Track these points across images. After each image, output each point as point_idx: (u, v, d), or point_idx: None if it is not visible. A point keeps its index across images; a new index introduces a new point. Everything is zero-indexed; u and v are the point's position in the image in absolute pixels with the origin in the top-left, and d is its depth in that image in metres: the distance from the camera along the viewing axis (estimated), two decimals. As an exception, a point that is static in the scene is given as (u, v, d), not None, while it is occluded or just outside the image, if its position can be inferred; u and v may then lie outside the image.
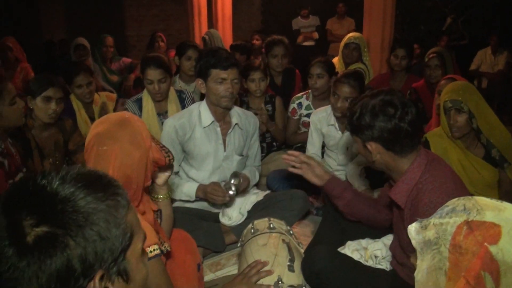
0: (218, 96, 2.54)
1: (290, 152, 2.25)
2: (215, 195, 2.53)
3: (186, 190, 2.66)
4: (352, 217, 2.20)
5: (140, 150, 1.51)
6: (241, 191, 2.67)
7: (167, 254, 1.88)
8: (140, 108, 3.33)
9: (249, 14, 10.28)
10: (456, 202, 0.99)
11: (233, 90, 2.53)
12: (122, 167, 1.46)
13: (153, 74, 3.16)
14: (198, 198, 2.67)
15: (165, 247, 1.59)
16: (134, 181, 1.51)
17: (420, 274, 0.98)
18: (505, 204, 0.95)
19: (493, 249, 0.87)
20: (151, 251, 1.40)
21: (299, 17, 7.80)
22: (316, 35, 7.70)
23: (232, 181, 2.56)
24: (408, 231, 1.02)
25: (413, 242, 1.00)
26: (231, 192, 2.53)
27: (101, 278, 0.81)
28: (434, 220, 0.99)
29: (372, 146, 1.79)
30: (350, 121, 1.84)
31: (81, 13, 8.72)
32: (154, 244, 1.42)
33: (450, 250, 0.92)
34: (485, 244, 0.88)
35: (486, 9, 7.27)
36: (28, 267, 0.75)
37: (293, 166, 2.22)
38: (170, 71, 3.30)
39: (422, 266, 0.98)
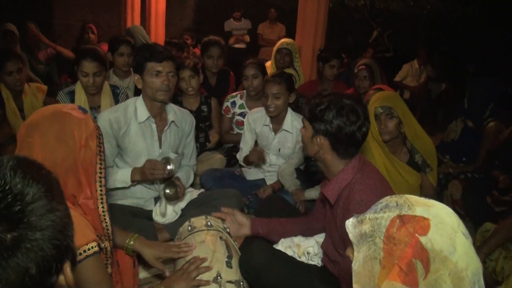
0: (154, 90, 2.52)
1: (214, 214, 2.30)
2: (154, 170, 2.48)
3: (120, 176, 2.59)
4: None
5: (66, 148, 1.43)
6: (177, 198, 2.66)
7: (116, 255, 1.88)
8: (73, 100, 3.23)
9: (181, 12, 10.19)
10: (389, 199, 1.09)
11: (169, 83, 2.53)
12: (45, 162, 1.42)
13: (88, 66, 3.08)
14: (133, 183, 2.62)
15: (104, 245, 1.57)
16: (61, 180, 1.45)
17: (357, 264, 1.07)
18: (432, 201, 1.07)
19: (423, 239, 0.98)
20: (89, 249, 1.38)
21: (232, 19, 7.87)
22: (247, 38, 7.81)
23: (167, 191, 2.57)
24: (346, 225, 1.10)
25: (350, 235, 1.08)
26: (169, 167, 2.50)
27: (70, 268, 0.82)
28: (369, 215, 1.08)
29: (320, 140, 1.88)
30: (312, 109, 1.89)
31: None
32: (93, 241, 1.40)
33: (384, 241, 1.01)
34: (416, 235, 0.99)
35: (411, 24, 7.72)
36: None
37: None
38: (106, 65, 3.24)
39: (359, 257, 1.07)
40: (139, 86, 2.60)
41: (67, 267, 0.81)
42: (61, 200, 0.84)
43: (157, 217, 2.72)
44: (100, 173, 1.50)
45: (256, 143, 3.37)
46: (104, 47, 5.00)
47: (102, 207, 1.53)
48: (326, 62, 4.29)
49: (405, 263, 0.97)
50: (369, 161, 2.08)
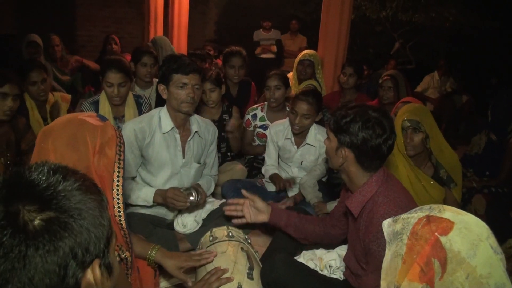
0: (179, 101, 2.55)
1: (229, 201, 2.34)
2: (175, 200, 2.51)
3: (143, 194, 2.62)
4: (306, 241, 2.29)
5: (77, 154, 1.43)
6: (197, 205, 2.68)
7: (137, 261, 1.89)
8: (97, 110, 3.27)
9: (203, 24, 10.31)
10: (428, 205, 1.12)
11: (194, 95, 2.56)
12: None
13: (114, 77, 3.12)
14: (155, 203, 2.65)
15: (125, 255, 1.58)
16: None
17: (385, 262, 1.10)
18: (466, 213, 1.08)
19: (443, 239, 1.00)
20: None
21: (261, 29, 7.92)
22: (274, 48, 7.84)
23: (192, 198, 2.55)
24: (382, 224, 1.13)
25: (385, 234, 1.11)
26: (191, 198, 2.53)
27: (100, 267, 0.83)
28: (403, 215, 1.11)
29: (345, 152, 1.87)
30: (337, 120, 1.88)
31: (32, 8, 8.41)
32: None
33: (409, 237, 1.04)
34: (436, 234, 1.00)
35: (433, 36, 7.68)
36: (36, 253, 0.75)
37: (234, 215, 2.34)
38: (130, 76, 3.27)
39: (388, 254, 1.10)
40: (164, 97, 2.62)
41: (96, 265, 0.82)
42: (103, 206, 0.88)
43: (178, 227, 2.74)
44: (118, 181, 1.50)
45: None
46: (128, 57, 5.08)
47: (120, 215, 1.53)
48: (341, 70, 4.30)
49: (424, 262, 0.99)
50: (392, 175, 2.06)
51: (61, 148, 1.42)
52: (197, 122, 2.77)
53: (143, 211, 2.71)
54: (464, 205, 3.34)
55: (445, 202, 2.79)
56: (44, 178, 0.81)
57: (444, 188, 2.77)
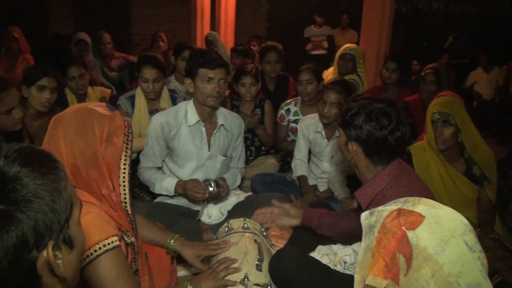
0: (205, 95, 2.59)
1: (257, 212, 2.31)
2: (194, 192, 2.56)
3: (166, 185, 2.70)
4: (342, 237, 2.23)
5: (84, 141, 1.49)
6: (220, 198, 2.71)
7: (145, 247, 1.95)
8: (133, 104, 3.39)
9: (254, 20, 10.36)
10: (405, 197, 1.08)
11: (219, 89, 2.59)
12: (69, 154, 1.49)
13: (148, 73, 3.22)
14: (177, 194, 2.71)
15: (131, 240, 1.63)
16: (83, 174, 1.50)
17: (360, 255, 1.08)
18: (446, 207, 1.03)
19: (410, 233, 0.96)
20: (109, 243, 1.43)
21: (312, 25, 7.86)
22: (325, 44, 7.75)
23: (211, 189, 2.58)
24: (361, 217, 1.11)
25: (362, 226, 1.09)
26: (210, 189, 2.56)
27: (52, 247, 0.87)
28: (379, 208, 1.08)
29: (353, 146, 1.84)
30: (343, 114, 1.87)
31: (88, 9, 8.80)
32: (113, 235, 1.45)
33: (379, 230, 1.01)
34: (403, 228, 0.96)
35: (481, 29, 7.32)
36: None
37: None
38: (165, 71, 3.36)
39: (362, 248, 1.08)
40: (191, 90, 2.68)
41: (49, 246, 0.86)
42: (56, 188, 0.89)
43: (203, 218, 2.78)
44: (124, 169, 1.56)
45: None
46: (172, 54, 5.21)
47: (125, 201, 1.58)
48: (383, 65, 4.18)
49: (389, 256, 0.97)
50: (411, 169, 1.99)
51: (70, 135, 1.50)
52: (223, 115, 2.80)
53: (169, 201, 2.78)
54: (504, 205, 3.17)
55: (478, 201, 2.66)
56: (1, 167, 0.84)
57: (477, 186, 2.63)
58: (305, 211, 2.25)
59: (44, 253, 0.86)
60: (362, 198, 1.83)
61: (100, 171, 1.52)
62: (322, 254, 2.16)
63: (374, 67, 4.88)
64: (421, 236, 0.95)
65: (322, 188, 3.24)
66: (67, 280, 0.94)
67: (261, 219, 2.28)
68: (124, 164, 1.56)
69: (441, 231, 0.96)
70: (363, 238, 1.08)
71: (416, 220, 0.98)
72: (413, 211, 1.01)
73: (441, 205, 1.03)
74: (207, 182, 2.59)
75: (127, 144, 1.59)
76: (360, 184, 2.14)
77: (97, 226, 1.41)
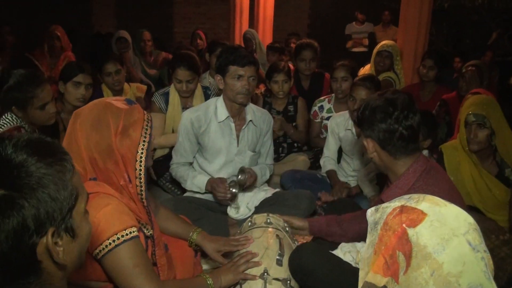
0: (234, 92, 2.62)
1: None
2: (216, 191, 2.62)
3: (197, 182, 2.76)
4: (354, 241, 2.21)
5: (99, 134, 1.55)
6: (247, 187, 2.74)
7: (168, 239, 2.00)
8: (167, 101, 3.46)
9: (295, 17, 10.34)
10: (410, 194, 1.07)
11: (249, 87, 2.62)
12: (87, 147, 1.55)
13: (182, 74, 3.29)
14: (207, 191, 2.76)
15: (150, 233, 1.68)
16: (101, 166, 1.55)
17: (364, 252, 1.08)
18: (450, 204, 1.01)
19: (410, 231, 0.94)
20: (127, 234, 1.48)
21: (354, 22, 7.78)
22: (366, 41, 7.65)
23: (239, 177, 2.63)
24: (367, 213, 1.11)
25: (368, 222, 1.09)
26: (233, 190, 2.60)
27: (52, 235, 0.91)
28: (384, 204, 1.07)
29: (369, 143, 1.85)
30: (357, 114, 1.90)
31: (131, 8, 9.04)
32: (132, 226, 1.50)
33: (381, 227, 1.00)
34: (404, 225, 0.94)
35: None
36: None
37: None
38: (199, 71, 3.43)
39: (366, 244, 1.08)
40: (221, 87, 2.72)
41: (49, 233, 0.90)
42: (60, 177, 0.93)
43: (231, 212, 2.82)
44: (141, 162, 1.60)
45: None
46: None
47: (141, 194, 1.62)
48: (421, 62, 4.10)
49: (389, 254, 0.97)
50: (439, 167, 1.95)
51: (86, 129, 1.56)
52: (252, 111, 2.83)
53: (198, 195, 2.83)
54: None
55: (510, 204, 2.57)
56: (3, 152, 0.89)
57: (509, 189, 2.54)
58: (311, 222, 2.25)
59: (44, 239, 0.90)
60: (389, 199, 1.80)
61: (116, 163, 1.57)
62: (345, 251, 2.15)
63: (412, 65, 4.78)
64: (421, 234, 0.94)
65: (352, 185, 3.21)
66: (67, 266, 0.98)
67: None
68: (141, 157, 1.60)
69: (442, 229, 0.94)
70: (368, 234, 1.08)
71: (417, 217, 0.97)
72: (416, 208, 0.99)
73: (447, 203, 1.02)
74: (232, 183, 2.62)
75: (145, 137, 1.62)
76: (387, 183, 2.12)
77: (115, 217, 1.47)
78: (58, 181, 0.92)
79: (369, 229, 1.08)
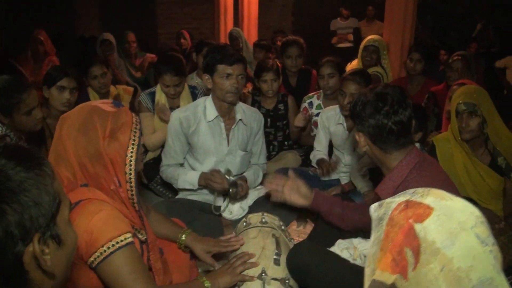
0: (223, 91, 2.59)
1: (267, 181, 2.30)
2: (213, 181, 2.57)
3: (189, 178, 2.71)
4: (349, 229, 2.21)
5: (86, 138, 1.51)
6: (239, 198, 2.72)
7: (162, 243, 1.96)
8: (153, 101, 3.42)
9: (280, 15, 10.31)
10: (414, 188, 1.05)
11: (238, 85, 2.59)
12: (75, 152, 1.50)
13: (170, 80, 3.27)
14: (200, 186, 2.71)
15: (145, 238, 1.64)
16: (91, 171, 1.51)
17: (369, 248, 1.04)
18: (456, 198, 0.99)
19: (417, 226, 0.92)
20: (122, 240, 1.44)
21: (338, 18, 7.79)
22: (350, 37, 7.66)
23: (230, 190, 2.60)
24: (370, 209, 1.07)
25: (372, 219, 1.06)
26: (229, 178, 2.57)
27: (38, 241, 0.87)
28: (388, 199, 1.05)
29: (361, 137, 1.85)
30: (350, 108, 1.89)
31: (115, 10, 8.94)
32: (126, 232, 1.46)
33: (387, 223, 0.98)
34: (410, 220, 0.92)
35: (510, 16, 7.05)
36: None
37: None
38: (185, 73, 3.41)
39: (371, 241, 1.04)
40: (209, 86, 2.68)
41: (35, 240, 0.86)
42: (41, 181, 0.89)
43: (224, 213, 2.79)
44: (130, 165, 1.56)
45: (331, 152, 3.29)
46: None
47: (132, 198, 1.59)
48: (408, 55, 4.11)
49: (396, 250, 0.93)
50: (432, 159, 1.95)
51: (73, 133, 1.52)
52: (242, 110, 2.80)
53: (191, 197, 2.79)
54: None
55: (505, 193, 2.58)
56: None
57: (503, 178, 2.55)
58: (317, 194, 2.22)
59: (31, 247, 0.85)
60: (383, 192, 1.79)
61: (105, 168, 1.53)
62: (342, 248, 2.13)
63: (399, 58, 4.79)
64: (429, 229, 0.91)
65: (344, 181, 3.20)
66: (55, 276, 0.94)
67: (272, 188, 2.27)
68: (130, 161, 1.56)
69: (450, 223, 0.92)
70: (372, 231, 1.06)
71: (424, 212, 0.94)
72: (421, 203, 0.97)
73: (452, 196, 0.99)
74: (226, 171, 2.60)
75: (134, 140, 1.58)
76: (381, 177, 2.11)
77: (110, 223, 1.43)
78: (40, 185, 0.88)
79: (373, 225, 1.05)
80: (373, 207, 1.08)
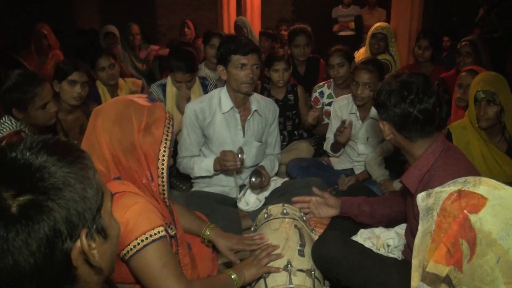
0: (238, 82, 2.57)
1: (294, 199, 2.26)
2: (225, 161, 2.56)
3: (204, 165, 2.70)
4: (381, 224, 2.20)
5: (121, 131, 1.50)
6: (263, 187, 2.71)
7: (187, 235, 1.95)
8: (164, 92, 3.40)
9: (280, 4, 10.22)
10: (464, 177, 1.03)
11: (253, 75, 2.57)
12: (109, 144, 1.50)
13: (182, 77, 3.26)
14: (216, 172, 2.71)
15: (174, 232, 1.63)
16: (124, 164, 1.51)
17: (417, 239, 1.04)
18: (508, 188, 0.97)
19: (472, 217, 0.91)
20: (155, 233, 1.43)
21: (340, 6, 7.73)
22: (352, 25, 7.60)
23: (253, 180, 2.62)
24: (417, 198, 1.06)
25: (419, 208, 1.05)
26: (239, 156, 2.56)
27: (86, 236, 0.85)
28: (436, 189, 1.04)
29: (385, 126, 1.84)
30: (374, 96, 1.88)
31: (114, 2, 8.86)
32: (159, 226, 1.45)
33: (438, 213, 0.97)
34: (465, 211, 0.91)
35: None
36: (17, 237, 0.77)
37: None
38: (197, 68, 3.39)
39: (420, 231, 1.04)
40: (224, 78, 2.66)
41: (82, 235, 0.84)
42: (84, 175, 0.87)
43: (241, 205, 2.78)
44: (163, 160, 1.55)
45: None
46: (200, 42, 5.20)
47: (164, 193, 1.57)
48: (416, 42, 4.08)
49: (451, 242, 0.92)
50: (455, 147, 1.94)
51: (107, 125, 1.51)
52: (257, 101, 2.78)
53: (207, 189, 2.78)
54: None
55: (522, 179, 2.57)
56: (20, 156, 0.82)
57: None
58: (343, 200, 2.21)
59: (78, 243, 0.84)
60: (409, 181, 1.78)
61: (138, 161, 1.52)
62: (365, 238, 2.13)
63: (407, 45, 4.76)
64: (484, 220, 0.90)
65: (358, 171, 3.19)
66: (103, 270, 0.93)
67: (299, 207, 2.26)
68: (163, 156, 1.55)
69: (504, 213, 0.91)
70: (420, 221, 1.04)
71: (478, 202, 0.93)
72: (475, 193, 0.95)
73: (503, 186, 0.98)
74: (238, 150, 2.58)
75: (167, 135, 1.58)
76: (403, 167, 2.10)
77: (144, 216, 1.42)
78: (83, 179, 0.86)
79: (421, 215, 1.03)
80: (421, 196, 1.06)
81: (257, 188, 2.67)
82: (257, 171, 2.64)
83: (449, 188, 0.99)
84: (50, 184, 0.81)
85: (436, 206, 0.99)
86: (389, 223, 2.17)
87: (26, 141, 0.85)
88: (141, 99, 1.60)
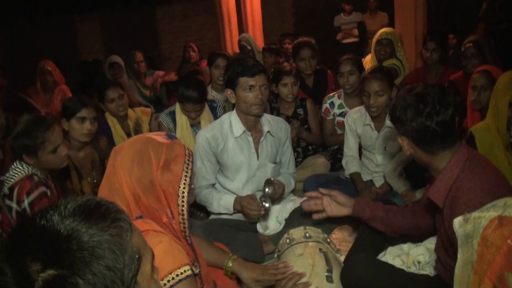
0: (248, 104, 2.52)
1: (307, 194, 2.21)
2: (249, 209, 2.50)
3: (224, 203, 2.64)
4: (393, 234, 2.13)
5: (140, 169, 1.47)
6: (277, 198, 2.63)
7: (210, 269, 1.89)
8: (174, 120, 3.36)
9: (281, 18, 10.23)
10: (503, 199, 0.96)
11: (262, 96, 2.52)
12: (129, 183, 1.46)
13: (192, 107, 3.23)
14: (236, 211, 2.65)
15: (199, 270, 1.58)
16: (145, 202, 1.47)
17: (457, 268, 0.99)
18: None
19: None
20: (182, 272, 1.37)
21: (342, 13, 7.71)
22: (356, 31, 7.56)
23: (267, 190, 2.51)
24: (453, 224, 1.01)
25: (457, 235, 0.99)
26: (266, 205, 2.49)
27: None
28: (475, 214, 0.97)
29: (404, 141, 1.78)
30: (390, 111, 1.84)
31: (116, 31, 8.93)
32: (185, 265, 1.39)
33: (479, 242, 0.91)
34: (508, 241, 0.84)
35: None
36: None
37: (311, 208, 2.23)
38: (206, 97, 3.36)
39: (460, 260, 0.99)
40: (232, 101, 2.61)
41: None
42: (118, 242, 0.82)
43: (261, 230, 2.70)
44: (183, 197, 1.51)
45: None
46: (204, 64, 5.18)
47: (185, 230, 1.52)
48: (423, 45, 4.03)
49: (496, 276, 0.86)
50: (481, 155, 1.85)
51: (127, 164, 1.49)
52: (268, 122, 2.72)
53: (225, 216, 2.72)
54: None
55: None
56: (49, 224, 0.78)
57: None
58: (357, 201, 2.14)
59: None
60: (436, 196, 1.70)
61: (158, 199, 1.48)
62: (394, 255, 2.05)
63: (414, 48, 4.69)
64: None
65: (378, 182, 3.10)
66: None
67: (311, 206, 2.20)
68: (183, 193, 1.51)
69: None
70: (459, 249, 0.97)
71: None
72: None
73: None
74: (262, 198, 2.51)
75: (187, 172, 1.54)
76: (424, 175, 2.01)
77: (169, 255, 1.37)
78: (115, 247, 0.81)
79: (459, 242, 0.97)
80: (458, 221, 1.00)
81: (273, 196, 2.58)
82: (268, 181, 2.57)
83: (488, 214, 0.92)
84: (77, 258, 0.76)
85: (476, 234, 0.91)
86: (404, 235, 2.09)
87: (58, 206, 0.82)
88: (159, 137, 1.57)
